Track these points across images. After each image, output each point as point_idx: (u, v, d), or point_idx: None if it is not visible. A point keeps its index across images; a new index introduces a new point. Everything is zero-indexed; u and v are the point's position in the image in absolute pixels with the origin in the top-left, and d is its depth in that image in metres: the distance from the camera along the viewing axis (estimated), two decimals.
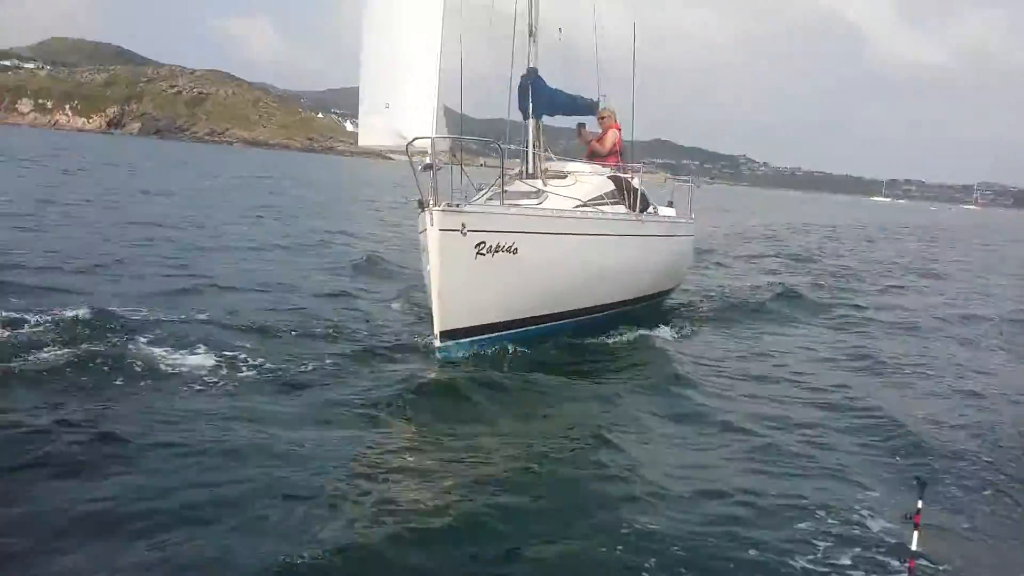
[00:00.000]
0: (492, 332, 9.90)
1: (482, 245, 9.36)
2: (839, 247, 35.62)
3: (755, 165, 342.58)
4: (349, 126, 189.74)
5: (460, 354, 9.54)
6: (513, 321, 10.14)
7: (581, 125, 14.74)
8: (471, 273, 9.36)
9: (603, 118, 14.22)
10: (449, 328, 9.39)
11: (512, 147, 11.98)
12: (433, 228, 9.01)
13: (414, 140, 9.13)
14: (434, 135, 9.30)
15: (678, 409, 8.66)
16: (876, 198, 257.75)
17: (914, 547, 4.04)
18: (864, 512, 6.17)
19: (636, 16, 14.80)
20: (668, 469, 6.83)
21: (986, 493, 6.87)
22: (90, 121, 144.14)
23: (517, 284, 9.93)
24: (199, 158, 76.49)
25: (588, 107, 14.17)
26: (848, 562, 5.32)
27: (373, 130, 10.65)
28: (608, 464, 6.67)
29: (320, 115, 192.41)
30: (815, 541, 5.58)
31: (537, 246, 9.97)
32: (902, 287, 21.71)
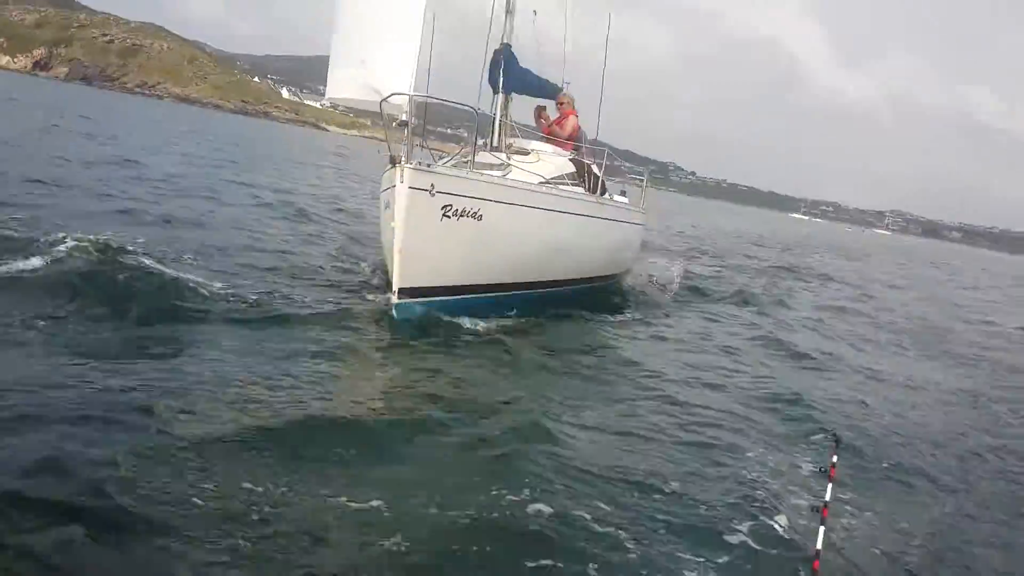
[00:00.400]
0: (448, 295, 9.91)
1: (448, 208, 9.37)
2: (768, 252, 36.59)
3: (683, 173, 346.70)
4: (285, 93, 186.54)
5: (416, 313, 9.53)
6: (470, 286, 10.19)
7: (541, 108, 14.85)
8: (435, 234, 9.36)
9: (562, 103, 14.31)
10: (408, 286, 9.39)
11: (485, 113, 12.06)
12: (402, 185, 8.97)
13: (391, 96, 9.07)
14: (411, 92, 9.23)
15: (615, 375, 9.04)
16: (795, 215, 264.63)
17: (828, 497, 4.23)
18: (783, 466, 6.75)
19: (590, 15, 14.87)
20: (602, 426, 7.16)
21: (891, 459, 7.55)
22: (15, 61, 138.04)
23: (478, 250, 9.98)
24: (137, 109, 74.32)
25: (553, 91, 14.27)
26: (766, 507, 5.68)
27: (343, 83, 10.56)
28: (538, 418, 6.90)
29: (256, 79, 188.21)
30: (736, 487, 6.00)
31: (502, 215, 10.02)
32: (820, 287, 22.72)
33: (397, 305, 9.38)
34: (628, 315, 12.98)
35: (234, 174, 26.38)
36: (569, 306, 12.03)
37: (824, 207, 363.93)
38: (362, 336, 8.78)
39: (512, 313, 10.92)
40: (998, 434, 9.35)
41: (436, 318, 9.69)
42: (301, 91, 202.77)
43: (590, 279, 13.14)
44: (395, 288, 9.35)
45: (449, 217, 9.39)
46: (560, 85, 14.32)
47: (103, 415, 5.34)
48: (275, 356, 7.45)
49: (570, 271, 12.32)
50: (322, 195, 25.19)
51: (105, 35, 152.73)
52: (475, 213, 9.64)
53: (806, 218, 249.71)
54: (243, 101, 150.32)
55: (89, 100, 69.79)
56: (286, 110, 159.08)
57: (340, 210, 21.33)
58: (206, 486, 4.71)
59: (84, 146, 25.14)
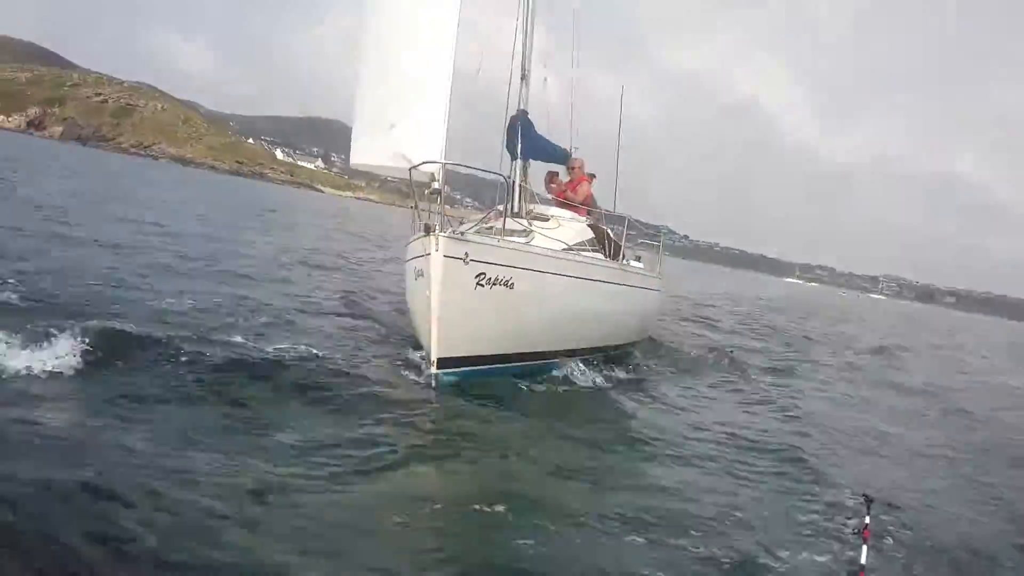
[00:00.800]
0: (483, 364, 9.76)
1: (482, 276, 9.27)
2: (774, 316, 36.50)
3: (676, 236, 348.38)
4: (279, 154, 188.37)
5: (451, 382, 9.36)
6: (502, 355, 10.04)
7: (554, 174, 14.82)
8: (469, 303, 9.25)
9: (574, 168, 14.29)
10: (445, 356, 9.23)
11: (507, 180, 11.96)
12: (437, 254, 8.85)
13: (421, 164, 8.98)
14: (443, 160, 9.14)
15: (641, 443, 8.84)
16: (789, 279, 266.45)
17: (863, 560, 4.11)
18: (815, 528, 6.66)
19: (575, 86, 14.86)
20: (633, 494, 7.05)
21: (924, 519, 7.48)
22: (10, 119, 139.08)
23: (510, 318, 9.86)
24: (139, 170, 74.87)
25: (564, 156, 14.28)
26: (800, 572, 5.60)
27: (368, 150, 10.48)
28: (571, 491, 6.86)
29: (250, 140, 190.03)
30: (768, 551, 5.88)
31: (532, 283, 9.92)
32: (830, 357, 22.41)
33: (436, 375, 9.21)
34: (649, 382, 12.65)
35: (253, 234, 27.59)
36: (593, 373, 11.76)
37: (818, 271, 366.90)
38: (407, 404, 8.60)
39: (541, 381, 10.70)
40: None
41: (472, 386, 9.51)
42: (295, 152, 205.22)
43: (614, 346, 12.97)
44: (433, 358, 9.18)
45: (483, 285, 9.28)
46: (569, 150, 14.31)
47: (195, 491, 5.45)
48: (335, 424, 7.52)
49: (596, 338, 12.18)
50: (329, 251, 26.77)
51: (99, 95, 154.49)
52: (507, 281, 9.54)
53: (800, 282, 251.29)
54: (238, 162, 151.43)
55: (94, 162, 70.60)
56: (281, 171, 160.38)
57: (340, 266, 22.50)
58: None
59: (109, 210, 25.77)
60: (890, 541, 6.53)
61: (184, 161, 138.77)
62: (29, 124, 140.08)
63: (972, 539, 7.24)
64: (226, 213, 37.51)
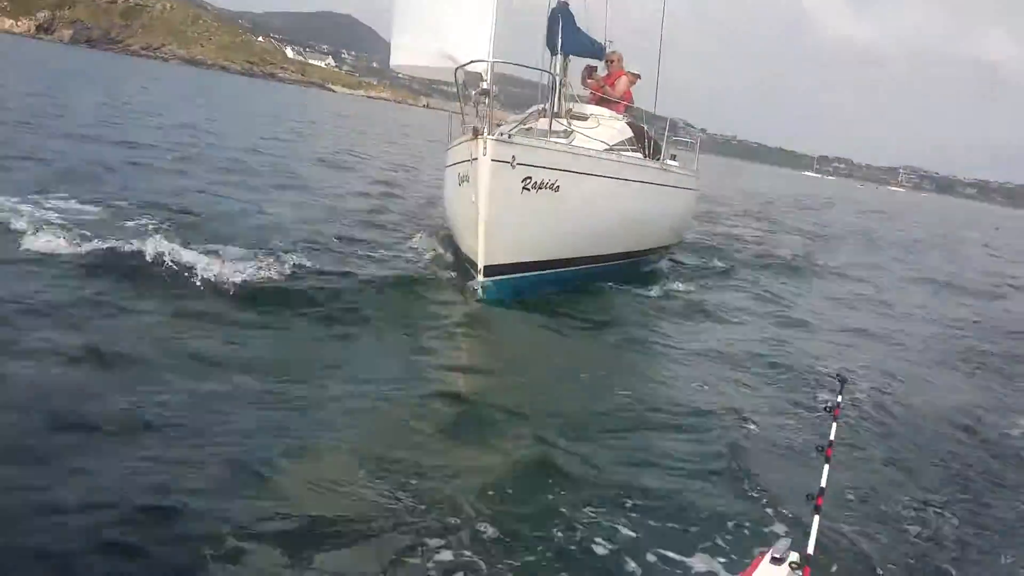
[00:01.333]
0: (529, 271, 9.59)
1: (528, 180, 9.00)
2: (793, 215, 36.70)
3: (694, 131, 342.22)
4: (290, 52, 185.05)
5: (498, 290, 9.23)
6: (549, 261, 9.86)
7: (592, 68, 14.38)
8: (516, 208, 9.01)
9: (611, 61, 13.83)
10: (492, 263, 9.05)
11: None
12: (485, 158, 8.56)
13: (468, 64, 8.74)
14: (491, 59, 8.85)
15: (648, 343, 9.15)
16: (807, 172, 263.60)
17: (832, 436, 4.07)
18: (789, 406, 7.31)
19: None
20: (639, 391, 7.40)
21: (896, 400, 7.90)
22: (19, 24, 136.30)
23: (555, 223, 9.63)
24: (155, 73, 74.84)
25: (601, 51, 13.84)
26: (773, 446, 6.20)
27: (412, 50, 10.18)
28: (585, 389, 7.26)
29: (260, 39, 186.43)
30: (742, 426, 6.49)
31: (577, 185, 9.68)
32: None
33: (483, 283, 9.07)
34: (678, 286, 12.42)
35: (287, 140, 30.34)
36: (637, 278, 11.84)
37: (836, 164, 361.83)
38: (455, 309, 8.90)
39: (582, 288, 10.68)
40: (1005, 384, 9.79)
41: (516, 292, 9.45)
42: (305, 50, 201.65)
43: (655, 248, 12.87)
44: (480, 266, 8.99)
45: (528, 190, 9.02)
46: (604, 44, 13.89)
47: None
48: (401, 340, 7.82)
49: (638, 241, 12.04)
50: (355, 152, 30.02)
51: None
52: (553, 184, 9.28)
53: (819, 176, 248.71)
54: (248, 62, 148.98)
55: (110, 67, 71.46)
56: (292, 71, 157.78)
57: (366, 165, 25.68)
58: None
59: (150, 120, 27.50)
60: (860, 418, 7.08)
61: (194, 62, 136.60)
62: (39, 28, 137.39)
63: (943, 414, 7.69)
64: (258, 117, 41.01)
